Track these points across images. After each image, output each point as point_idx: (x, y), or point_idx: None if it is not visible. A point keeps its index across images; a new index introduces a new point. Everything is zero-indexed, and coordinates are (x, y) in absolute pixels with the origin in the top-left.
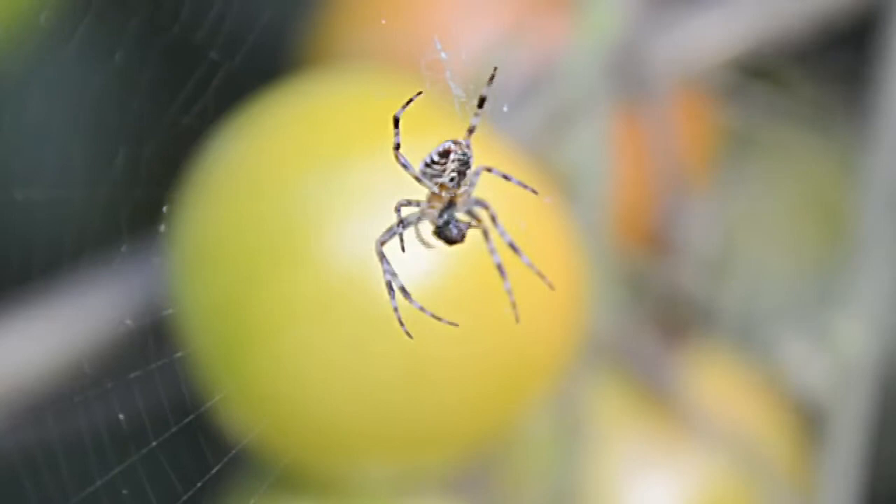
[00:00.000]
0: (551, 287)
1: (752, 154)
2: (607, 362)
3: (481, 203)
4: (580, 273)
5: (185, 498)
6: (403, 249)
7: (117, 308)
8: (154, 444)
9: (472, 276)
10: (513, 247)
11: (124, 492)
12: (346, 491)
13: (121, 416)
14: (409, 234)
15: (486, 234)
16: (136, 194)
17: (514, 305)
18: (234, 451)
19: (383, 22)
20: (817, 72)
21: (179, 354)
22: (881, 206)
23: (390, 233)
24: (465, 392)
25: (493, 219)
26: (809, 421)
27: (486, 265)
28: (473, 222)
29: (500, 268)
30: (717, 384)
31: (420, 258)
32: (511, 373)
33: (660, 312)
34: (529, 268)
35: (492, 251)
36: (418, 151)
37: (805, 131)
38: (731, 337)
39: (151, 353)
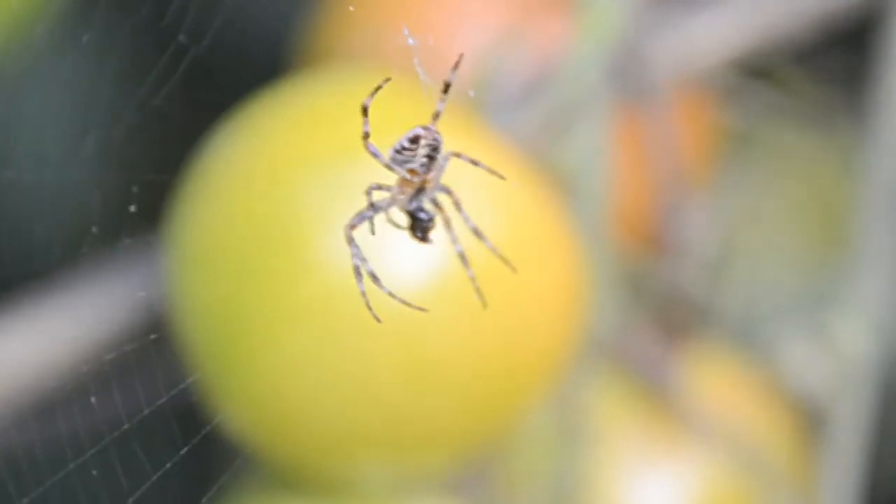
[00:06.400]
0: (514, 270)
1: (752, 154)
2: (607, 362)
3: (445, 189)
4: (580, 273)
5: (183, 497)
6: (373, 233)
7: (115, 306)
8: (154, 442)
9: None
10: (476, 232)
11: (124, 487)
12: (345, 491)
13: (121, 415)
14: (379, 218)
15: (447, 223)
16: (133, 191)
17: (478, 291)
18: (232, 450)
19: (382, 20)
20: (817, 72)
21: (178, 353)
22: (881, 207)
23: (360, 217)
24: (465, 392)
25: (457, 206)
26: (809, 421)
27: (484, 266)
28: (438, 212)
29: (462, 256)
30: (717, 384)
31: (420, 259)
32: (511, 373)
33: (660, 312)
34: (493, 252)
35: (454, 240)
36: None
37: (805, 131)
38: (731, 337)
39: (149, 351)
